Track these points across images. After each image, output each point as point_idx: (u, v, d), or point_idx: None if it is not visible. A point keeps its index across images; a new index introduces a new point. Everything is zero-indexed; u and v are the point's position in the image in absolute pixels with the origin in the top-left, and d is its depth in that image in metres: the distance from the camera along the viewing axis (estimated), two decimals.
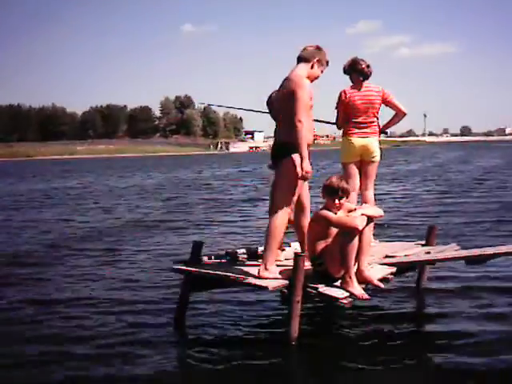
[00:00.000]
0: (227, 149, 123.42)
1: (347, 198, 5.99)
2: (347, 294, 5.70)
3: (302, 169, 5.77)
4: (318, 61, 6.08)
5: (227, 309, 7.11)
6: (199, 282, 6.53)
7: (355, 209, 6.02)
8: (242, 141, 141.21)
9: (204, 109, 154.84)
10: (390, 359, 5.33)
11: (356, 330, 6.31)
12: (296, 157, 5.79)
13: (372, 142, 7.17)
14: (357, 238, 5.72)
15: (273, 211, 6.00)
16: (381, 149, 7.27)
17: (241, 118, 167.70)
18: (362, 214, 5.86)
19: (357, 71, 7.12)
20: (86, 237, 12.80)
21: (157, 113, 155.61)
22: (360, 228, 5.71)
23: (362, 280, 5.87)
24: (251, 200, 20.24)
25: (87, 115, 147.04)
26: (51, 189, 28.43)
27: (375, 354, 5.51)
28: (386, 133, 7.58)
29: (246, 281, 5.88)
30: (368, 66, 7.13)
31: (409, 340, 5.95)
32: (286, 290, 5.85)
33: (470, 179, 26.36)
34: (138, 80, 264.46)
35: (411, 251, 6.99)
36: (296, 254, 5.73)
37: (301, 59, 6.10)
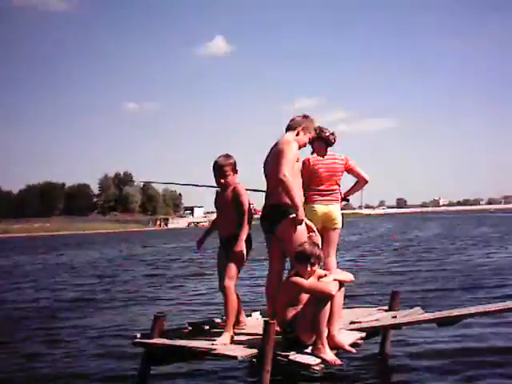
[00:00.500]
0: (166, 225, 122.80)
1: (319, 264, 5.90)
2: (319, 360, 5.56)
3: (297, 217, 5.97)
4: (303, 128, 6.43)
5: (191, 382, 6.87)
6: (160, 355, 6.32)
7: (325, 274, 5.93)
8: (182, 217, 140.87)
9: (143, 185, 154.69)
10: None
11: None
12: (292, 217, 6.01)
13: (334, 209, 6.99)
14: (329, 304, 5.63)
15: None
16: (342, 216, 7.19)
17: (180, 194, 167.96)
18: (335, 280, 5.78)
19: (321, 139, 7.03)
20: (22, 319, 12.02)
21: (95, 190, 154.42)
22: (334, 293, 5.64)
23: (334, 345, 5.76)
24: (194, 275, 19.74)
25: (23, 193, 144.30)
26: None
27: None
28: (348, 200, 7.50)
29: (215, 351, 5.67)
30: (332, 134, 7.08)
31: None
32: (254, 360, 5.63)
33: (414, 248, 26.76)
34: (78, 157, 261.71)
35: (376, 316, 6.93)
36: (266, 322, 5.57)
37: (288, 128, 6.46)
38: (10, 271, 24.93)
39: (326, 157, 7.01)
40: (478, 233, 39.06)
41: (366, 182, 7.24)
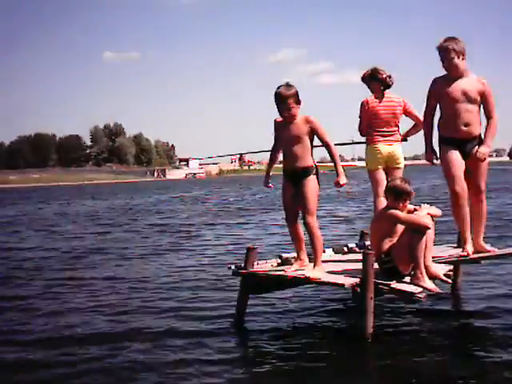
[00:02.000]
0: (164, 176, 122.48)
1: (410, 200, 6.20)
2: (420, 288, 5.89)
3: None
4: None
5: (285, 309, 7.33)
6: (257, 284, 6.70)
7: (415, 209, 6.23)
8: (178, 168, 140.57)
9: (135, 137, 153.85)
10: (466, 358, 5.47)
11: (422, 326, 6.57)
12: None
13: (397, 149, 7.36)
14: (425, 236, 5.94)
15: None
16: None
17: (173, 146, 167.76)
18: (428, 214, 6.10)
19: (378, 80, 7.28)
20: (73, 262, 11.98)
21: (87, 141, 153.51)
22: (430, 226, 5.94)
23: (430, 275, 6.07)
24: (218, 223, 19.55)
25: (15, 145, 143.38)
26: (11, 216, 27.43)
27: (445, 351, 5.67)
28: (406, 140, 7.81)
29: (323, 279, 6.04)
30: (390, 77, 7.32)
31: (472, 337, 6.18)
32: (357, 288, 5.95)
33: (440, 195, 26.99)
34: (64, 109, 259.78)
35: (451, 252, 7.23)
36: (365, 252, 5.91)
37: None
38: (20, 221, 24.57)
39: (384, 99, 7.29)
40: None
41: None
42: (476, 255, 6.88)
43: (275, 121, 6.53)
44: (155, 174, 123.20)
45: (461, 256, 6.85)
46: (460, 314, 7.08)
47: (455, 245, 7.71)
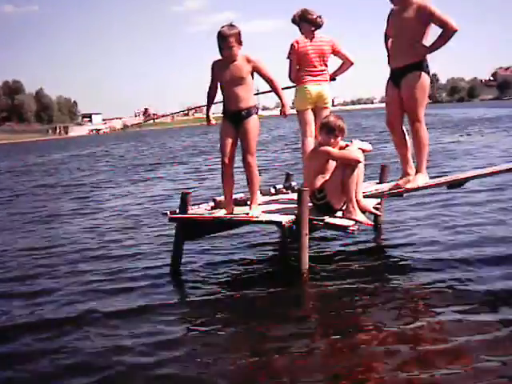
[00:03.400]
0: (66, 133, 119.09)
1: (342, 137, 6.39)
2: (352, 222, 6.15)
3: None
4: None
5: (221, 251, 7.45)
6: (193, 229, 6.76)
7: (346, 145, 6.44)
8: (80, 124, 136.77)
9: (36, 93, 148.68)
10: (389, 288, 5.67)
11: (355, 256, 6.82)
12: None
13: (325, 89, 7.49)
14: (356, 170, 6.17)
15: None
16: None
17: (75, 102, 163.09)
18: (359, 148, 6.32)
19: (307, 21, 7.38)
20: None
21: None
22: (361, 160, 6.18)
23: (360, 209, 6.33)
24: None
25: None
26: None
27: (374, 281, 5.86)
28: (335, 79, 7.96)
29: (260, 218, 6.20)
30: (320, 17, 7.43)
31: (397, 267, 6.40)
32: (292, 225, 6.13)
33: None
34: None
35: (375, 187, 7.51)
36: (300, 190, 6.10)
37: None
38: None
39: (314, 39, 7.41)
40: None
41: (352, 63, 7.67)
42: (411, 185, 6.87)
43: (214, 61, 6.41)
44: (57, 131, 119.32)
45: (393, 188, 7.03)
46: (383, 244, 7.49)
47: (377, 181, 8.03)
